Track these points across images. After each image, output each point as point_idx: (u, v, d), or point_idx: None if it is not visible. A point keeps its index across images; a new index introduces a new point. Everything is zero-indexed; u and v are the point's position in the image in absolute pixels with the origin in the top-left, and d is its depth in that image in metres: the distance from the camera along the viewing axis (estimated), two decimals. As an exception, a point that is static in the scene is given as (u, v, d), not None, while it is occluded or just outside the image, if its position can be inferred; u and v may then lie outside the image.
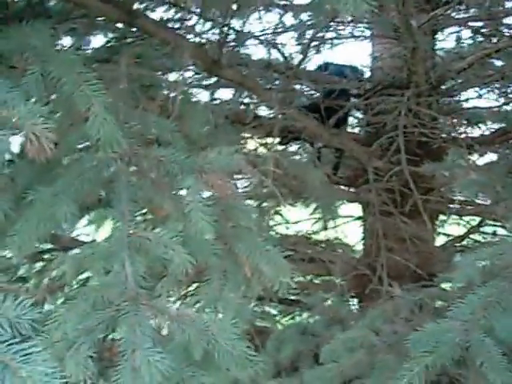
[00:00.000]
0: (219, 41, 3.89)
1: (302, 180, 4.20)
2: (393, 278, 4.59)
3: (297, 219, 6.47)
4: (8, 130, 1.60)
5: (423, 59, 4.65)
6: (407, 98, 4.69)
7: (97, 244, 2.05)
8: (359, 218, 5.88)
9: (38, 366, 1.29)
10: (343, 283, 5.05)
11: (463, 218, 6.14)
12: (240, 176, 4.98)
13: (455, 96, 5.54)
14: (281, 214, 6.46)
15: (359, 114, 6.02)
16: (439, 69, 4.95)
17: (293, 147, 5.86)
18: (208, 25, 4.62)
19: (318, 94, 5.65)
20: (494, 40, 5.16)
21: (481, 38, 5.33)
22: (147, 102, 2.71)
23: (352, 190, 5.61)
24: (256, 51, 5.50)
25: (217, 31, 4.30)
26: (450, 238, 6.01)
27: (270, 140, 4.79)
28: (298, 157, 5.78)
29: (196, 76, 5.20)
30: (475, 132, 5.53)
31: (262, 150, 4.88)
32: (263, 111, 5.30)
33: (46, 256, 5.34)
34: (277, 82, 5.29)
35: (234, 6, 3.87)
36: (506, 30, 5.12)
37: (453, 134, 5.13)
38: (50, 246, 5.11)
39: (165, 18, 4.03)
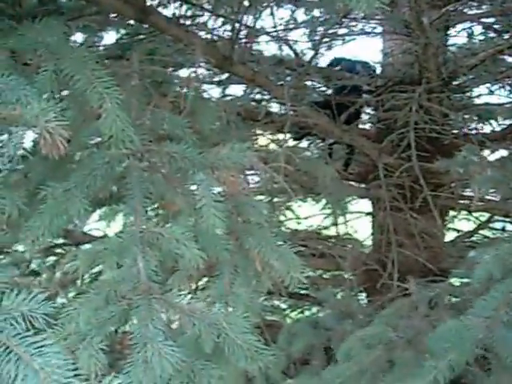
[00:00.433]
0: (231, 37, 3.90)
1: (312, 176, 4.22)
2: (402, 273, 4.60)
3: (307, 215, 6.49)
4: (22, 127, 1.62)
5: (435, 55, 4.64)
6: (418, 94, 4.69)
7: (109, 239, 2.07)
8: (369, 214, 5.88)
9: (50, 359, 1.31)
10: (353, 278, 5.06)
11: (473, 213, 6.13)
12: (251, 172, 5.00)
13: (467, 92, 5.53)
14: (292, 210, 6.48)
15: (370, 111, 6.01)
16: (451, 65, 4.95)
17: (304, 143, 5.87)
18: (220, 21, 4.65)
19: (329, 91, 5.66)
20: (506, 36, 5.14)
21: (493, 34, 5.31)
22: (159, 99, 2.73)
23: (362, 185, 5.61)
24: (268, 48, 5.53)
25: (228, 28, 4.33)
26: (460, 233, 6.01)
27: (281, 136, 4.80)
28: (309, 153, 5.78)
29: (208, 72, 5.22)
30: (486, 128, 5.53)
31: (273, 146, 4.89)
32: (275, 108, 5.32)
33: (58, 250, 5.38)
34: (288, 79, 5.30)
35: (246, 3, 3.88)
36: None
37: (464, 130, 5.13)
38: (62, 240, 5.16)
39: (177, 15, 4.06)
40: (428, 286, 3.77)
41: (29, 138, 1.73)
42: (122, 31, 3.88)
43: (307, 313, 6.10)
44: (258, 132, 5.15)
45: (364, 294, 5.50)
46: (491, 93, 5.57)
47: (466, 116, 5.54)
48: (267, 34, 5.20)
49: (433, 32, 4.48)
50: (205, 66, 4.78)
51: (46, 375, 1.30)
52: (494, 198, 5.12)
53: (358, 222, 6.26)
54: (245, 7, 3.93)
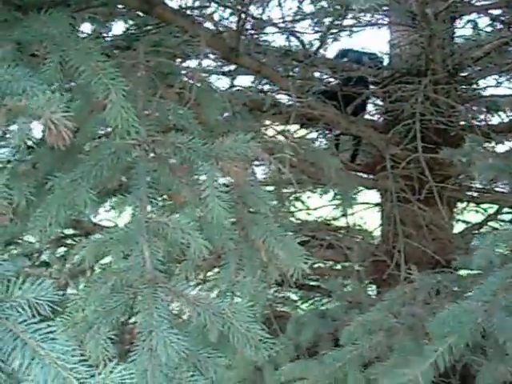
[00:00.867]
0: (237, 28, 3.91)
1: (318, 167, 4.22)
2: (410, 264, 4.60)
3: (317, 206, 6.50)
4: (28, 118, 1.64)
5: (440, 47, 4.64)
6: (424, 85, 4.69)
7: (116, 229, 2.09)
8: (378, 205, 5.89)
9: (56, 345, 1.33)
10: (361, 269, 5.07)
11: (481, 205, 6.13)
12: (258, 163, 5.01)
13: (473, 84, 5.52)
14: (301, 201, 6.50)
15: (378, 102, 6.01)
16: (457, 56, 4.94)
17: (311, 134, 5.87)
18: (227, 12, 4.66)
19: (336, 82, 5.66)
20: (513, 27, 5.13)
21: (500, 26, 5.30)
22: (165, 90, 2.74)
23: (370, 176, 5.62)
24: (275, 39, 5.53)
25: (235, 19, 4.33)
26: (469, 225, 6.01)
27: (288, 127, 4.80)
28: (315, 144, 5.78)
29: (215, 63, 5.23)
30: (494, 120, 5.52)
31: (279, 137, 4.89)
32: (282, 99, 5.32)
33: (68, 241, 5.40)
34: (296, 70, 5.31)
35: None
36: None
37: (471, 122, 5.12)
38: (72, 231, 5.19)
39: (183, 6, 4.06)
40: (434, 274, 3.78)
41: (37, 129, 1.74)
42: (130, 22, 3.90)
43: (317, 304, 6.13)
44: (265, 123, 5.15)
45: (373, 286, 5.52)
46: (498, 84, 5.56)
47: (474, 108, 5.54)
48: (274, 25, 5.21)
49: (439, 23, 4.47)
50: (212, 57, 4.80)
51: (51, 361, 1.32)
52: (502, 190, 5.13)
53: (368, 213, 6.27)
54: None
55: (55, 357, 1.32)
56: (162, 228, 2.00)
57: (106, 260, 2.31)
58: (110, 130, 2.22)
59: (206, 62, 5.09)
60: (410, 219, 5.07)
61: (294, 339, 3.99)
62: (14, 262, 1.52)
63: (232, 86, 5.10)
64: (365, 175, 5.73)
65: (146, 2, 3.13)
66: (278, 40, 5.58)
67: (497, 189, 5.27)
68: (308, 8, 5.37)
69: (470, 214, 6.34)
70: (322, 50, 5.31)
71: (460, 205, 5.97)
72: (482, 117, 5.56)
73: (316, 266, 5.84)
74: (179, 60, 4.03)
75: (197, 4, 4.32)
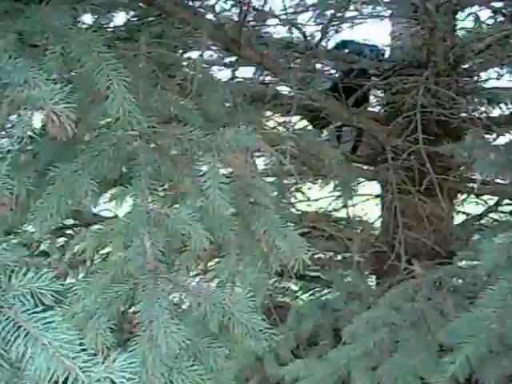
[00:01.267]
0: (238, 20, 3.91)
1: (319, 158, 4.22)
2: (410, 255, 4.61)
3: (317, 197, 6.50)
4: (29, 109, 1.65)
5: (442, 39, 4.64)
6: (426, 77, 4.69)
7: (116, 220, 2.10)
8: (378, 197, 5.89)
9: (59, 334, 1.34)
10: (361, 260, 5.08)
11: (481, 197, 6.13)
12: (259, 154, 5.01)
13: (474, 76, 5.52)
14: (302, 192, 6.49)
15: (379, 94, 6.01)
16: (458, 49, 4.93)
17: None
18: (228, 4, 4.65)
19: (337, 74, 5.66)
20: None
21: (501, 18, 5.28)
22: (166, 81, 2.74)
23: (371, 168, 5.62)
24: (277, 30, 5.53)
25: (236, 10, 4.33)
26: (469, 216, 6.01)
27: (289, 119, 4.80)
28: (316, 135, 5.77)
29: (217, 55, 5.23)
30: (494, 112, 5.52)
31: (280, 128, 4.89)
32: (284, 90, 5.32)
33: (68, 232, 5.41)
34: (297, 61, 5.31)
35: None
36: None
37: (472, 114, 5.12)
38: (72, 221, 5.19)
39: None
40: (435, 268, 3.79)
41: (37, 120, 1.75)
42: (132, 13, 3.89)
43: (318, 295, 6.13)
44: (266, 115, 5.14)
45: (373, 277, 5.52)
46: (500, 77, 5.55)
47: (476, 100, 5.54)
48: (275, 16, 5.20)
49: (440, 16, 4.47)
50: (213, 48, 4.80)
51: (54, 350, 1.33)
52: (502, 182, 5.13)
53: (368, 205, 6.27)
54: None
55: (58, 346, 1.33)
56: (162, 219, 2.01)
57: (107, 250, 2.32)
58: (111, 121, 2.22)
59: (207, 54, 5.10)
60: (411, 211, 5.07)
61: (295, 329, 4.00)
62: (14, 252, 1.53)
63: (233, 77, 5.10)
64: (365, 167, 5.73)
65: (147, -8, 3.13)
66: (279, 32, 5.55)
67: (497, 181, 5.26)
68: (310, 0, 5.37)
69: (470, 206, 6.34)
70: (323, 42, 5.29)
71: (460, 196, 5.96)
72: (483, 109, 5.56)
73: (316, 256, 5.85)
74: (181, 51, 4.03)
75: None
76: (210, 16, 4.13)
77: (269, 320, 1.96)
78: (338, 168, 4.03)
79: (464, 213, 6.19)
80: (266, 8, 5.13)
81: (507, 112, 5.45)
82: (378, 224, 5.85)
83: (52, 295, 1.43)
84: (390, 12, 5.73)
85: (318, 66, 5.72)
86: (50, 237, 5.27)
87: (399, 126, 4.98)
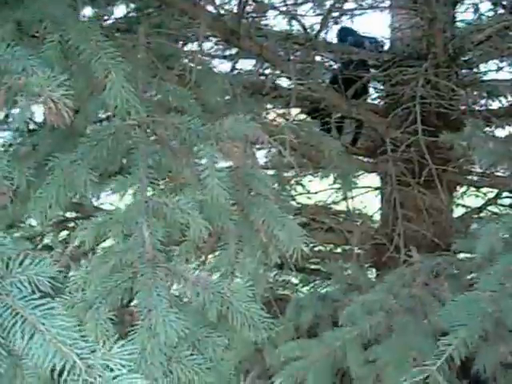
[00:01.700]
0: (238, 11, 3.90)
1: (319, 150, 4.22)
2: (410, 247, 4.61)
3: (317, 190, 6.51)
4: (28, 97, 1.64)
5: (441, 30, 4.63)
6: (425, 68, 4.69)
7: (116, 210, 2.10)
8: (377, 189, 5.89)
9: (56, 321, 1.34)
10: (361, 252, 5.09)
11: (481, 190, 6.14)
12: (259, 146, 5.01)
13: (474, 68, 5.52)
14: (302, 185, 6.50)
15: (378, 85, 6.01)
16: (458, 40, 4.93)
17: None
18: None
19: (337, 66, 5.67)
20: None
21: (501, 10, 5.28)
22: (165, 72, 2.74)
23: (370, 160, 5.62)
24: (277, 22, 5.53)
25: (236, 2, 4.32)
26: (468, 209, 6.02)
27: (289, 110, 4.80)
28: (315, 127, 5.77)
29: (217, 47, 5.23)
30: (494, 105, 5.52)
31: (280, 120, 4.89)
32: (283, 82, 5.32)
33: (70, 225, 5.41)
34: (297, 54, 5.30)
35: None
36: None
37: (471, 106, 5.12)
38: (74, 214, 5.19)
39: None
40: (434, 257, 3.79)
41: (38, 112, 1.75)
42: (132, 5, 3.89)
43: (318, 288, 6.13)
44: (266, 106, 5.15)
45: (373, 269, 5.53)
46: (499, 69, 5.55)
47: (475, 92, 5.54)
48: (275, 8, 5.20)
49: (440, 7, 4.47)
50: (213, 40, 4.80)
51: (51, 337, 1.33)
52: (501, 174, 5.14)
53: (368, 197, 6.27)
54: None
55: (55, 333, 1.33)
56: (161, 208, 2.01)
57: (108, 243, 2.31)
58: (111, 113, 2.22)
59: (207, 46, 5.10)
60: (410, 203, 5.07)
61: (294, 321, 4.00)
62: (17, 246, 1.52)
63: (233, 69, 5.10)
64: (365, 159, 5.73)
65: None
66: (279, 24, 5.56)
67: (497, 173, 5.27)
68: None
69: (470, 199, 6.34)
70: (323, 34, 5.30)
71: (460, 189, 5.97)
72: (483, 102, 5.56)
73: (316, 249, 5.86)
74: (180, 43, 4.03)
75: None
76: (210, 8, 4.13)
77: (269, 312, 1.95)
78: (337, 159, 4.02)
79: (463, 206, 6.20)
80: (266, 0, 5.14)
81: (506, 104, 5.44)
82: (377, 217, 5.85)
83: (51, 283, 1.43)
84: (389, 3, 5.73)
85: (318, 58, 5.72)
86: (52, 230, 5.28)
87: (398, 118, 4.98)
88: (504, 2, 5.21)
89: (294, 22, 5.43)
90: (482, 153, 3.41)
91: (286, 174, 5.57)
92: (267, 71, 5.38)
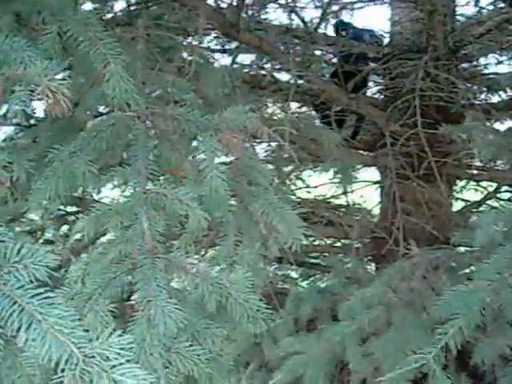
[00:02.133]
0: (237, 4, 3.90)
1: (319, 143, 4.22)
2: (409, 240, 4.62)
3: (317, 184, 6.52)
4: (25, 87, 1.64)
5: (441, 23, 4.63)
6: (424, 61, 4.68)
7: (114, 200, 2.10)
8: (377, 183, 5.89)
9: (54, 310, 1.34)
10: (361, 246, 5.09)
11: (480, 183, 6.14)
12: (259, 140, 5.01)
13: (474, 61, 5.51)
14: (302, 179, 6.51)
15: (378, 79, 6.01)
16: (458, 33, 4.92)
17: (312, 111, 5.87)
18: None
19: (337, 59, 5.67)
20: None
21: (501, 3, 5.27)
22: (165, 64, 2.74)
23: (370, 154, 5.61)
24: (277, 16, 5.53)
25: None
26: (468, 203, 6.02)
27: (290, 104, 4.80)
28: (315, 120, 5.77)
29: (217, 41, 5.23)
30: (493, 99, 5.52)
31: (279, 113, 4.90)
32: (283, 76, 5.32)
33: (71, 219, 5.42)
34: (297, 48, 5.30)
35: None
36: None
37: (471, 100, 5.12)
38: (75, 209, 5.20)
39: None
40: (433, 250, 3.80)
41: (39, 104, 1.74)
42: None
43: (318, 282, 6.14)
44: (266, 100, 5.15)
45: (372, 263, 5.53)
46: (499, 63, 5.55)
47: (475, 87, 5.54)
48: (275, 1, 5.20)
49: (440, 0, 4.46)
50: (213, 34, 4.79)
51: (49, 326, 1.33)
52: (501, 168, 5.14)
53: (368, 191, 6.28)
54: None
55: (53, 322, 1.33)
56: (160, 199, 2.01)
57: (108, 237, 2.31)
58: (111, 107, 2.22)
59: (207, 39, 5.10)
60: (410, 196, 5.08)
61: (294, 314, 4.01)
62: (17, 239, 1.52)
63: (234, 63, 5.10)
64: (365, 152, 5.73)
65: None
66: (279, 18, 5.55)
67: (496, 167, 5.27)
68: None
69: (470, 193, 6.35)
70: (323, 28, 5.30)
71: (459, 183, 5.97)
72: (483, 96, 5.56)
73: (316, 243, 5.87)
74: (182, 37, 4.02)
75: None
76: (209, 1, 4.12)
77: (269, 306, 1.95)
78: (337, 152, 4.02)
79: (463, 199, 6.20)
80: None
81: (506, 98, 5.44)
82: (376, 211, 5.86)
83: (48, 273, 1.43)
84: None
85: (318, 52, 5.73)
86: (53, 224, 5.29)
87: (398, 111, 4.98)
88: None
89: (293, 16, 5.44)
90: (481, 145, 3.41)
91: (286, 169, 5.58)
92: (267, 66, 5.39)
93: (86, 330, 1.36)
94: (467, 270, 3.56)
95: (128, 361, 1.33)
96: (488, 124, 4.72)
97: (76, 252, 4.76)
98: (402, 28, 5.52)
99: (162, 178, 2.44)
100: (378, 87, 5.99)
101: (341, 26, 5.67)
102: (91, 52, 1.97)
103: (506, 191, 5.86)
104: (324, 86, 4.81)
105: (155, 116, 2.21)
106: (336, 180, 5.96)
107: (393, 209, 4.98)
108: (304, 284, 6.17)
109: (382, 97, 5.71)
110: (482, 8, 5.35)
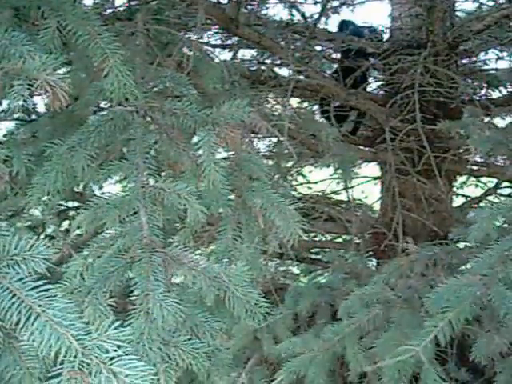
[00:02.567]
0: (237, -1, 3.90)
1: (318, 138, 4.23)
2: (409, 236, 4.62)
3: (317, 180, 6.52)
4: (24, 81, 1.65)
5: (441, 19, 4.63)
6: (424, 57, 4.69)
7: (112, 194, 2.10)
8: (377, 178, 5.90)
9: (53, 302, 1.35)
10: (361, 241, 5.10)
11: (481, 179, 6.14)
12: (260, 136, 5.02)
13: (473, 57, 5.52)
14: (302, 175, 6.51)
15: (378, 74, 6.01)
16: (457, 29, 4.93)
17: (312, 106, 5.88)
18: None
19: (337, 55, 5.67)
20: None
21: (502, 0, 5.28)
22: (164, 59, 2.75)
23: (370, 149, 5.62)
24: (277, 11, 5.53)
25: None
26: (468, 199, 6.03)
27: (289, 99, 4.80)
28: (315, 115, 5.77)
29: (217, 36, 5.24)
30: (493, 95, 5.52)
31: (278, 107, 4.90)
32: (283, 71, 5.33)
33: (72, 214, 5.42)
34: (297, 44, 5.30)
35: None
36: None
37: (471, 96, 5.12)
38: (76, 204, 5.21)
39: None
40: (431, 247, 3.80)
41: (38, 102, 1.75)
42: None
43: (318, 278, 6.15)
44: (266, 95, 5.15)
45: (373, 258, 5.54)
46: (499, 59, 5.55)
47: (475, 83, 5.54)
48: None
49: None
50: (213, 30, 4.79)
51: (47, 318, 1.33)
52: (501, 164, 5.14)
53: (368, 187, 6.29)
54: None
55: (51, 314, 1.34)
56: (158, 193, 2.01)
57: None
58: (110, 102, 2.22)
59: (207, 35, 5.10)
60: (410, 192, 5.08)
61: (293, 309, 4.02)
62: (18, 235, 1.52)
63: (234, 59, 5.10)
64: (365, 148, 5.73)
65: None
66: (278, 14, 5.56)
67: (496, 163, 5.27)
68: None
69: (470, 189, 6.36)
70: (323, 23, 5.30)
71: (460, 179, 5.98)
72: (483, 92, 5.56)
73: (317, 239, 5.88)
74: (180, 33, 4.02)
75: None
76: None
77: (269, 301, 1.96)
78: (336, 147, 4.03)
79: (463, 195, 6.21)
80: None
81: (506, 93, 5.44)
82: (377, 206, 5.86)
83: (45, 263, 1.43)
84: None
85: (318, 48, 5.73)
86: (53, 219, 5.29)
87: (398, 106, 4.98)
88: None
89: (294, 12, 5.44)
90: (478, 141, 3.41)
91: (286, 165, 5.58)
92: (267, 61, 5.39)
93: (85, 323, 1.36)
94: (465, 267, 3.56)
95: (127, 353, 1.33)
96: (487, 120, 4.72)
97: (76, 247, 4.76)
98: (402, 24, 5.51)
99: (161, 172, 2.45)
100: (378, 83, 6.00)
101: (344, 25, 5.66)
102: (90, 46, 1.98)
103: (507, 187, 5.87)
104: (324, 81, 4.81)
105: (154, 110, 2.22)
106: (336, 176, 5.97)
107: (393, 204, 4.99)
108: (305, 280, 6.18)
109: (382, 92, 5.71)
110: (481, 4, 5.36)
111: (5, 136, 3.60)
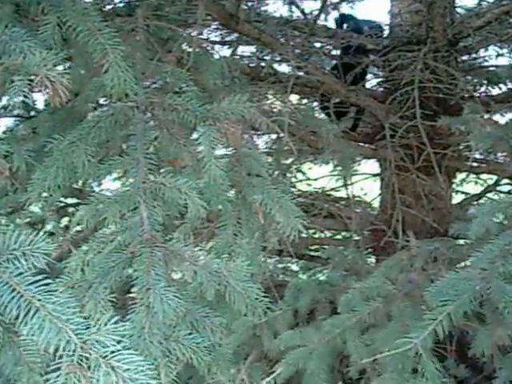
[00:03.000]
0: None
1: (318, 135, 4.23)
2: (409, 232, 4.63)
3: (317, 176, 6.53)
4: (24, 77, 1.65)
5: (441, 15, 4.63)
6: (424, 53, 4.69)
7: (113, 190, 2.11)
8: (377, 175, 5.90)
9: (52, 297, 1.35)
10: (360, 238, 5.10)
11: (480, 176, 6.14)
12: (260, 133, 5.03)
13: (473, 53, 5.52)
14: (302, 171, 6.52)
15: (377, 71, 6.01)
16: (457, 25, 4.93)
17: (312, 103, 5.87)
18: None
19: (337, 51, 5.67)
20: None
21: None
22: (164, 55, 2.75)
23: (370, 146, 5.62)
24: (276, 8, 5.53)
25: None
26: (468, 196, 6.03)
27: (289, 96, 4.80)
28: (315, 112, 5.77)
29: (217, 33, 5.24)
30: (493, 91, 5.52)
31: (278, 103, 4.90)
32: (283, 68, 5.33)
33: (72, 210, 5.42)
34: (297, 41, 5.30)
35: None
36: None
37: (471, 93, 5.12)
38: (76, 201, 5.21)
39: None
40: (432, 241, 3.80)
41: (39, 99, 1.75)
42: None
43: (318, 275, 6.15)
44: (265, 91, 5.15)
45: (372, 255, 5.54)
46: (499, 55, 5.55)
47: (475, 80, 5.55)
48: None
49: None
50: (213, 26, 4.79)
51: (47, 313, 1.34)
52: (501, 161, 5.15)
53: (367, 184, 6.29)
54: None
55: (51, 308, 1.34)
56: (159, 188, 2.02)
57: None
58: (110, 98, 2.22)
59: (207, 31, 5.10)
60: (409, 189, 5.09)
61: (292, 305, 4.01)
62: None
63: (233, 55, 5.10)
64: (365, 145, 5.73)
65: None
66: (278, 10, 5.57)
67: (496, 160, 5.28)
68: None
69: (470, 185, 6.36)
70: (322, 20, 5.30)
71: (459, 176, 5.98)
72: (483, 89, 5.56)
73: (316, 235, 5.88)
74: (180, 29, 4.02)
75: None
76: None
77: (269, 298, 1.96)
78: (336, 144, 4.03)
79: (463, 192, 6.21)
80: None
81: (505, 90, 5.44)
82: (376, 203, 5.87)
83: (44, 257, 1.43)
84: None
85: (318, 44, 5.73)
86: (53, 216, 5.29)
87: (397, 103, 4.98)
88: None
89: (293, 9, 5.44)
90: (478, 137, 3.41)
91: (286, 161, 5.58)
92: (266, 57, 5.39)
93: (85, 318, 1.37)
94: (466, 262, 3.56)
95: (126, 348, 1.34)
96: (488, 116, 4.72)
97: (76, 243, 4.76)
98: (402, 20, 5.51)
99: (161, 168, 2.45)
100: (378, 79, 6.00)
101: (344, 20, 5.66)
102: (90, 42, 1.98)
103: (507, 184, 5.87)
104: (323, 77, 4.80)
105: (154, 106, 2.22)
106: (336, 172, 5.98)
107: (392, 201, 4.99)
108: (304, 276, 6.18)
109: (382, 89, 5.71)
110: (481, 0, 5.35)
111: (5, 132, 3.61)
